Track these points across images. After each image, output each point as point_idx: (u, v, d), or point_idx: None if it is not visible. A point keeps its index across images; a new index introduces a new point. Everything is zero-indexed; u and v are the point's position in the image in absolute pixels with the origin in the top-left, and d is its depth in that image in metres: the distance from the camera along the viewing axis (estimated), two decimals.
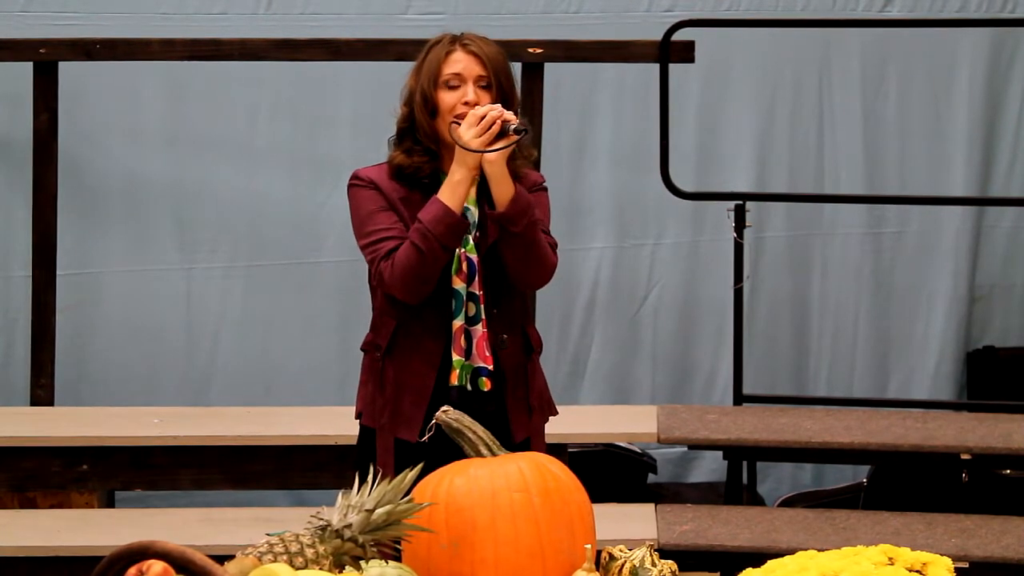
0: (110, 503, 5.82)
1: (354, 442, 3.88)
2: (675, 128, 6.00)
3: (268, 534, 2.75)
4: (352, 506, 2.78)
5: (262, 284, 6.39)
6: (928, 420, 5.70)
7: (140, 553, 2.43)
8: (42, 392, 5.93)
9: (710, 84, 6.46)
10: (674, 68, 5.91)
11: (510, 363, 3.81)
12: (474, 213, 3.77)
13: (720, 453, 5.63)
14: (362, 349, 3.88)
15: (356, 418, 3.87)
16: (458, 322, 3.75)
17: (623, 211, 6.51)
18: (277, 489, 5.69)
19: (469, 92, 3.74)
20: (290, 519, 4.97)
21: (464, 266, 3.76)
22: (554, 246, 3.83)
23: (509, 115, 3.67)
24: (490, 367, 3.76)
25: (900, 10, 6.49)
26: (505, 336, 3.80)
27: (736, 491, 5.66)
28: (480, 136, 3.65)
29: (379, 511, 2.77)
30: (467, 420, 3.02)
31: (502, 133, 3.66)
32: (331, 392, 6.32)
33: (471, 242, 3.77)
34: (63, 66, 5.95)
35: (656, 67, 5.89)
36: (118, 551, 2.44)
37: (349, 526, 2.75)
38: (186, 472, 5.40)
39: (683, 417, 5.65)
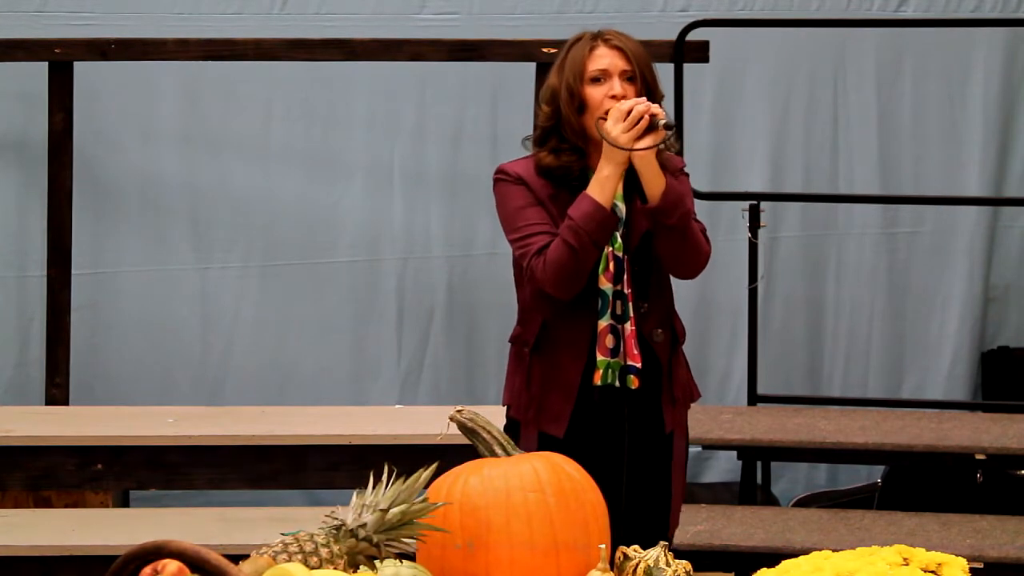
0: (125, 502, 5.82)
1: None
2: (689, 128, 5.99)
3: (283, 533, 2.75)
4: (367, 505, 2.78)
5: (277, 284, 6.39)
6: (943, 420, 5.69)
7: (155, 552, 2.43)
8: (57, 391, 5.94)
9: (724, 84, 6.46)
10: (688, 68, 5.91)
11: (663, 358, 3.81)
12: (621, 209, 3.73)
13: (734, 453, 5.63)
14: (510, 341, 3.88)
15: (504, 406, 3.87)
16: (604, 322, 3.73)
17: None
18: (292, 489, 5.68)
19: (616, 86, 3.70)
20: (305, 519, 4.97)
21: (611, 265, 3.73)
22: (703, 231, 3.79)
23: (656, 108, 3.63)
24: (639, 365, 3.74)
25: (915, 10, 6.48)
26: (660, 330, 3.78)
27: (750, 491, 5.65)
28: (628, 131, 3.60)
29: (393, 511, 2.77)
30: (481, 419, 3.01)
31: (650, 127, 3.61)
32: (346, 392, 6.33)
33: (619, 239, 3.73)
34: (78, 66, 5.96)
35: (670, 67, 5.88)
36: (133, 550, 2.45)
37: (363, 526, 2.75)
38: (201, 471, 5.39)
39: (697, 417, 5.63)
